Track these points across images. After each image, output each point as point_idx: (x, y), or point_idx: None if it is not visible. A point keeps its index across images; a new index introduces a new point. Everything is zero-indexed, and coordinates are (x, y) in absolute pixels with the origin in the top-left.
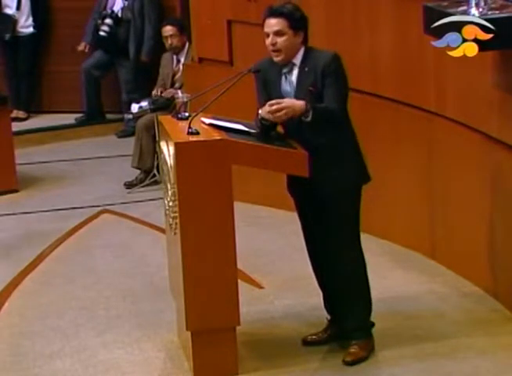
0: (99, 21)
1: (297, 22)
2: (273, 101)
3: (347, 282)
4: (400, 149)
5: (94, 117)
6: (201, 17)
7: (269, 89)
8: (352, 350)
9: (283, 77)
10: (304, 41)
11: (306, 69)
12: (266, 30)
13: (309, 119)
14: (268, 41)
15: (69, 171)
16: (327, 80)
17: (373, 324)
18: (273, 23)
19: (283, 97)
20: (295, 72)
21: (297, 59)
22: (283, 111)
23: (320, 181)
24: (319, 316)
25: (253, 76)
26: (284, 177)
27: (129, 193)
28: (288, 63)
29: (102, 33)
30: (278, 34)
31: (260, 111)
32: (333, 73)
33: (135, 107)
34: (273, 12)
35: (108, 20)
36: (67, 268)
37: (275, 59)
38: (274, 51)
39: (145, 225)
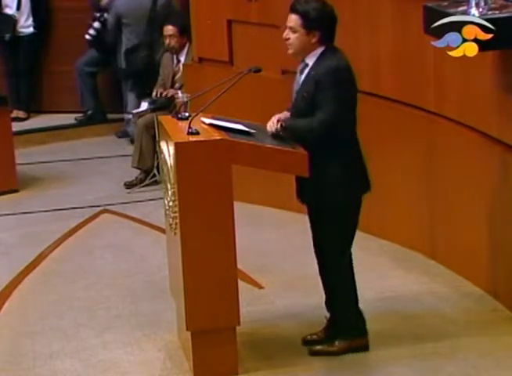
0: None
1: (311, 22)
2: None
3: (335, 289)
4: (400, 149)
5: (95, 116)
6: (201, 17)
7: None
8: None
9: (298, 75)
10: (323, 42)
11: (313, 73)
12: (286, 23)
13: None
14: (284, 34)
15: (69, 171)
16: (321, 92)
17: (364, 331)
18: (290, 19)
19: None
20: (306, 72)
21: (311, 60)
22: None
23: (319, 188)
24: (319, 316)
25: (253, 76)
26: (284, 177)
27: (129, 193)
28: (302, 62)
29: (87, 36)
30: (291, 30)
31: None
32: (328, 85)
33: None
34: (292, 8)
35: (96, 24)
36: (67, 268)
37: (288, 51)
38: (287, 44)
39: (145, 225)
